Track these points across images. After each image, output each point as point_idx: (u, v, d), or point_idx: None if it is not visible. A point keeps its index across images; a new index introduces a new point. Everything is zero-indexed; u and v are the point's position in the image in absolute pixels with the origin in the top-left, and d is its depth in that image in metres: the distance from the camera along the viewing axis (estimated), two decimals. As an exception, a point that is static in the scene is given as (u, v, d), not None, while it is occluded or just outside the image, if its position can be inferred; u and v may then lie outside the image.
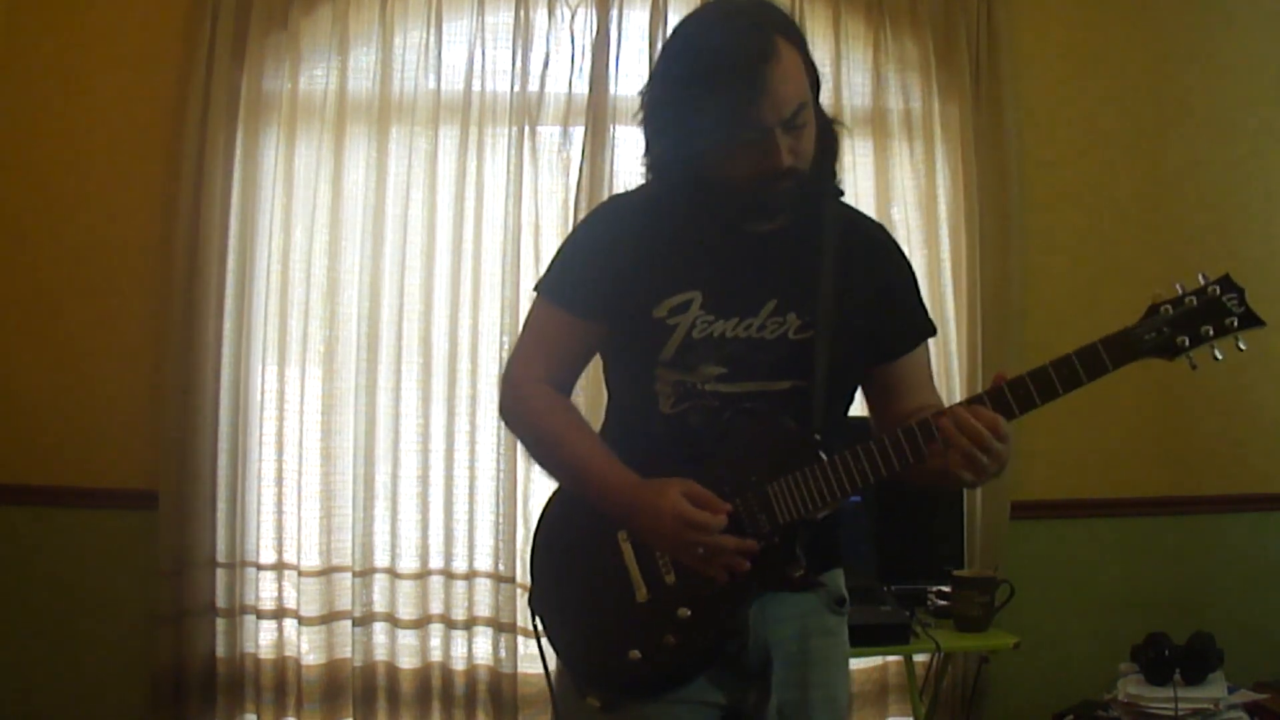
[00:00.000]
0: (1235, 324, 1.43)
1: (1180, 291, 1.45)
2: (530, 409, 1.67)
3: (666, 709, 1.58)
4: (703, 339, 1.58)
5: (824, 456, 1.53)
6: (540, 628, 1.65)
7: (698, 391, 1.58)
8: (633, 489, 1.55)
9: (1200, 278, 1.45)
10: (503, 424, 1.73)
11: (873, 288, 1.66)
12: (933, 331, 1.74)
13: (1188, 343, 1.44)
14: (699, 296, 1.59)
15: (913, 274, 1.75)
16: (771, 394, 1.59)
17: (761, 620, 1.59)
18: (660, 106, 1.58)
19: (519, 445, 3.10)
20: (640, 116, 1.62)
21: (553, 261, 1.73)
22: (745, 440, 1.57)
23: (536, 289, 1.72)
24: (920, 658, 3.08)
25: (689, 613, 1.54)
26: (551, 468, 1.69)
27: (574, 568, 1.63)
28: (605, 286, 1.63)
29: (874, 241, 1.73)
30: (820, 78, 1.62)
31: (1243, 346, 1.44)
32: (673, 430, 1.59)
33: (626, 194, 1.71)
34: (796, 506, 1.53)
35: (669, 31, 3.20)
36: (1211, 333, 1.43)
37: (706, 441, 1.58)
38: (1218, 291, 1.44)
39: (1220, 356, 1.45)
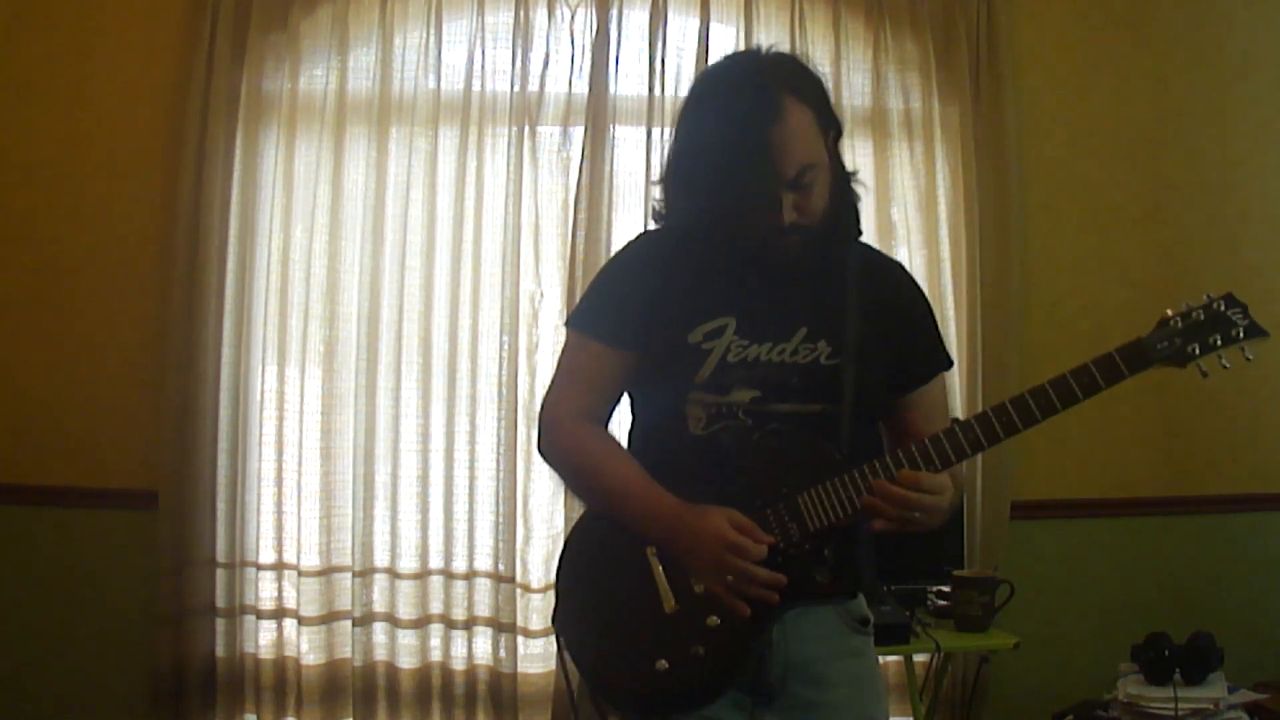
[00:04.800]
0: (1240, 334, 1.55)
1: (1187, 307, 1.57)
2: (569, 442, 1.68)
3: None
4: (737, 362, 1.61)
5: (853, 465, 1.56)
6: (564, 649, 1.65)
7: (730, 413, 1.61)
8: (676, 508, 1.57)
9: (1205, 297, 1.58)
10: (542, 459, 1.75)
11: (894, 321, 1.70)
12: (949, 364, 1.79)
13: (1197, 350, 1.55)
14: (733, 322, 1.62)
15: (930, 310, 1.80)
16: (803, 415, 1.62)
17: (784, 640, 1.60)
18: (679, 160, 1.65)
19: (514, 448, 3.20)
20: (665, 168, 1.68)
21: (584, 296, 1.76)
22: (776, 455, 1.59)
23: (568, 324, 1.74)
24: (920, 658, 3.08)
25: (719, 621, 1.55)
26: (591, 495, 1.70)
27: (600, 584, 1.63)
28: (639, 315, 1.65)
29: (893, 278, 1.78)
30: (841, 128, 1.66)
31: (1250, 356, 1.56)
32: (703, 451, 1.61)
33: (656, 230, 1.74)
34: (827, 514, 1.56)
35: (668, 35, 3.25)
36: (1219, 341, 1.55)
37: (737, 460, 1.60)
38: (1222, 306, 1.56)
39: (1228, 365, 1.56)
